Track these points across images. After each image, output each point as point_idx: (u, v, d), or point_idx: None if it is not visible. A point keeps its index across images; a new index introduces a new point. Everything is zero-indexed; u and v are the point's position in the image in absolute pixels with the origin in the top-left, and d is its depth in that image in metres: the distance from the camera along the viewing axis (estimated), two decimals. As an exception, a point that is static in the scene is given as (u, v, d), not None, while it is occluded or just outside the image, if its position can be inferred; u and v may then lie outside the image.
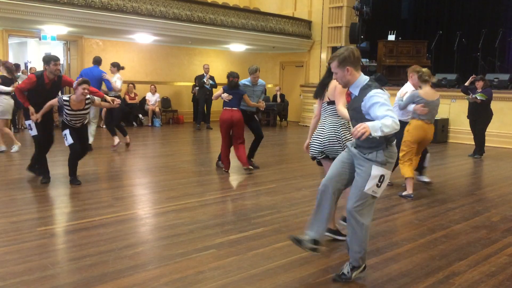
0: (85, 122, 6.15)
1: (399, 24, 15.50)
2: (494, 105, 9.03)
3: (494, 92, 9.16)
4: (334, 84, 3.83)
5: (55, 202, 5.29)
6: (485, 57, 12.60)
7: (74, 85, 5.72)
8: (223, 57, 15.94)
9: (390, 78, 13.78)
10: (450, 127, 11.54)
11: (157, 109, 13.92)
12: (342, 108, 3.79)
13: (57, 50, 16.00)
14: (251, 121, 7.36)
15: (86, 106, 5.84)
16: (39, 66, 14.53)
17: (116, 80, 9.00)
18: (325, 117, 3.98)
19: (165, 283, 3.13)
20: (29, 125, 6.02)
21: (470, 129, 9.33)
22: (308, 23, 15.62)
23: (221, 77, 14.14)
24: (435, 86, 6.70)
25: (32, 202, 5.14)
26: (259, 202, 5.37)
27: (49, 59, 5.76)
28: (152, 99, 13.79)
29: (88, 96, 5.80)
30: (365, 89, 3.11)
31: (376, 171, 3.09)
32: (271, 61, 16.99)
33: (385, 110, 2.95)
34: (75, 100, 5.72)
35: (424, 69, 5.94)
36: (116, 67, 9.23)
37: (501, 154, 9.65)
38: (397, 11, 16.27)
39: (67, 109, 5.74)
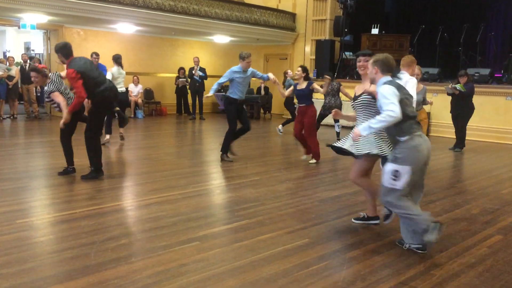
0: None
1: (382, 18, 15.58)
2: (475, 100, 9.16)
3: (475, 86, 9.29)
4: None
5: (35, 194, 5.19)
6: (466, 52, 12.76)
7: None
8: (207, 48, 15.81)
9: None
10: (431, 120, 11.68)
11: (139, 101, 13.77)
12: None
13: (37, 39, 15.70)
14: (241, 111, 7.24)
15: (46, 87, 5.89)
16: (18, 56, 14.26)
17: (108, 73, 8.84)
18: None
19: (148, 275, 3.11)
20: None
21: (451, 122, 9.46)
22: (293, 16, 15.59)
23: (208, 69, 14.11)
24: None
25: (11, 194, 5.03)
26: (243, 194, 5.36)
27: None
28: (135, 90, 13.62)
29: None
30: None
31: (387, 167, 3.57)
32: (255, 54, 16.82)
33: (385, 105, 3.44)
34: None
35: None
36: (114, 60, 8.97)
37: (481, 148, 9.82)
38: (381, 5, 16.34)
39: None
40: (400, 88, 3.55)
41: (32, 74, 5.86)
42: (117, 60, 8.97)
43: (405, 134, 3.49)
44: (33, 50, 16.67)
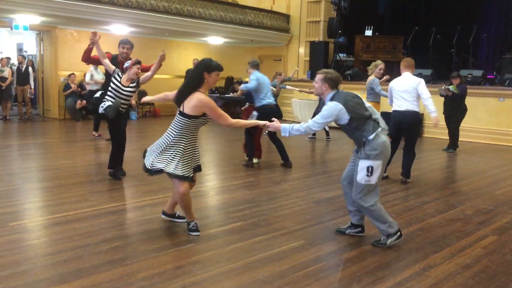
0: (125, 110, 5.87)
1: (376, 20, 15.65)
2: (467, 101, 9.22)
3: (468, 88, 9.34)
4: None
5: (28, 196, 5.14)
6: (459, 53, 12.83)
7: (128, 64, 5.57)
8: (201, 50, 15.78)
9: (367, 73, 13.90)
10: (424, 122, 11.72)
11: (133, 102, 13.69)
12: None
13: (30, 40, 15.58)
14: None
15: (132, 85, 5.63)
16: (13, 57, 14.17)
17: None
18: None
19: (143, 278, 3.08)
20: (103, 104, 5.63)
21: (444, 124, 9.50)
22: (287, 17, 15.60)
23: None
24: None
25: (3, 196, 4.98)
26: (237, 196, 5.34)
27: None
28: (128, 92, 13.55)
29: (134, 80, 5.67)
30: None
31: (361, 163, 3.76)
32: (249, 55, 16.88)
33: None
34: (125, 79, 5.59)
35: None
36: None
37: (474, 149, 9.87)
38: (374, 7, 16.42)
39: (116, 81, 5.55)
40: (347, 99, 3.73)
41: (139, 66, 5.63)
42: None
43: (371, 133, 3.71)
44: (25, 52, 16.55)
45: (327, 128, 10.31)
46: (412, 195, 5.63)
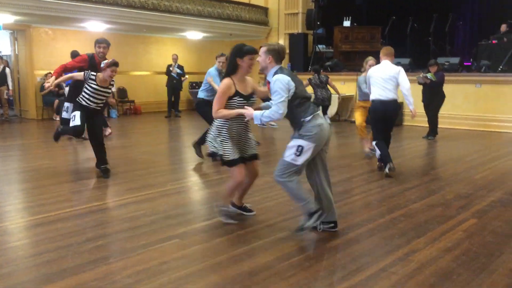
0: (102, 107, 5.95)
1: (354, 10, 15.72)
2: (445, 88, 9.36)
3: (445, 75, 9.48)
4: None
5: (8, 198, 5.05)
6: (436, 42, 13.00)
7: (103, 65, 5.62)
8: (179, 45, 15.66)
9: (347, 63, 14.00)
10: (404, 110, 11.86)
11: (113, 100, 13.50)
12: None
13: (4, 40, 15.23)
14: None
15: (110, 86, 5.73)
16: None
17: None
18: None
19: (128, 275, 3.07)
20: (74, 116, 5.71)
21: (423, 111, 9.63)
22: (265, 10, 15.58)
23: (186, 67, 13.97)
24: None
25: (-18, 200, 4.89)
26: (221, 190, 5.32)
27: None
28: (108, 90, 13.39)
29: (113, 79, 5.76)
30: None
31: (293, 142, 3.66)
32: (228, 49, 16.79)
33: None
34: (101, 79, 5.58)
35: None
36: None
37: (453, 135, 10.04)
38: (352, -3, 16.50)
39: (92, 84, 5.56)
40: (292, 75, 3.67)
41: (114, 68, 5.62)
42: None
43: (308, 114, 3.63)
44: (0, 52, 16.18)
45: (327, 120, 10.33)
46: (394, 182, 5.71)
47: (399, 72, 5.99)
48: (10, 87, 12.24)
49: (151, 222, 4.16)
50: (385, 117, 6.07)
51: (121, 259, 3.33)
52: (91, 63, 5.93)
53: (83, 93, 5.64)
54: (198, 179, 6.19)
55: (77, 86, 5.85)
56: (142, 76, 14.85)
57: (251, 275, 3.08)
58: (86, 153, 7.74)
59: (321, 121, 3.67)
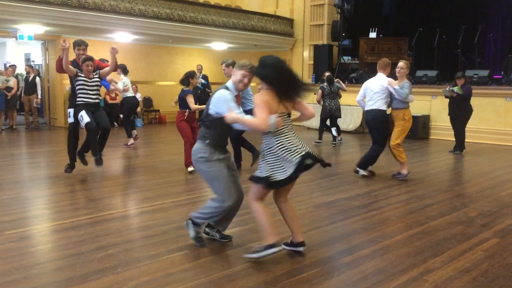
0: (98, 99, 6.46)
1: (380, 21, 15.55)
2: (473, 101, 9.09)
3: (474, 88, 9.22)
4: None
5: (26, 205, 5.14)
6: (465, 54, 12.69)
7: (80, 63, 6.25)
8: (205, 56, 15.82)
9: (372, 75, 13.79)
10: (431, 123, 11.61)
11: (138, 109, 13.75)
12: None
13: (36, 50, 15.75)
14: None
15: (95, 76, 6.32)
16: (21, 67, 14.31)
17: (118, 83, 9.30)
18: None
19: (133, 286, 3.05)
20: (81, 116, 6.24)
21: (450, 125, 9.38)
22: (290, 21, 15.59)
23: (210, 77, 14.09)
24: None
25: (3, 205, 4.99)
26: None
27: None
28: (134, 99, 13.61)
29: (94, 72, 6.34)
30: None
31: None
32: (253, 60, 16.77)
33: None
34: (85, 72, 6.24)
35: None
36: (122, 70, 9.37)
37: (481, 150, 9.72)
38: (378, 8, 16.32)
39: (81, 78, 6.20)
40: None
41: (88, 63, 6.18)
42: (124, 69, 9.44)
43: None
44: (33, 61, 16.73)
45: (335, 133, 10.09)
46: (415, 198, 5.54)
47: (387, 82, 6.45)
48: (39, 96, 12.59)
49: (163, 232, 4.14)
50: (368, 126, 6.73)
51: (129, 269, 3.31)
52: (74, 65, 6.38)
53: (78, 93, 6.21)
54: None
55: (74, 93, 6.34)
56: (167, 86, 15.04)
57: (258, 290, 3.01)
58: (106, 162, 7.84)
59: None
